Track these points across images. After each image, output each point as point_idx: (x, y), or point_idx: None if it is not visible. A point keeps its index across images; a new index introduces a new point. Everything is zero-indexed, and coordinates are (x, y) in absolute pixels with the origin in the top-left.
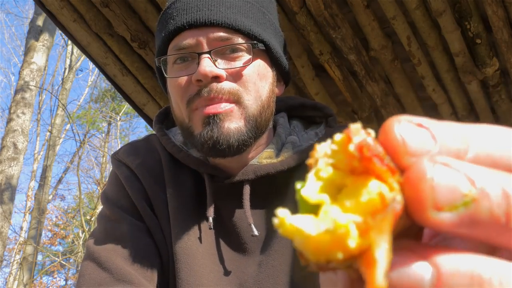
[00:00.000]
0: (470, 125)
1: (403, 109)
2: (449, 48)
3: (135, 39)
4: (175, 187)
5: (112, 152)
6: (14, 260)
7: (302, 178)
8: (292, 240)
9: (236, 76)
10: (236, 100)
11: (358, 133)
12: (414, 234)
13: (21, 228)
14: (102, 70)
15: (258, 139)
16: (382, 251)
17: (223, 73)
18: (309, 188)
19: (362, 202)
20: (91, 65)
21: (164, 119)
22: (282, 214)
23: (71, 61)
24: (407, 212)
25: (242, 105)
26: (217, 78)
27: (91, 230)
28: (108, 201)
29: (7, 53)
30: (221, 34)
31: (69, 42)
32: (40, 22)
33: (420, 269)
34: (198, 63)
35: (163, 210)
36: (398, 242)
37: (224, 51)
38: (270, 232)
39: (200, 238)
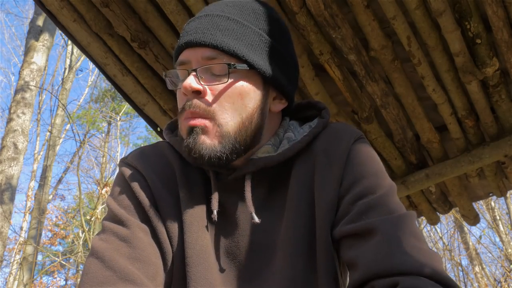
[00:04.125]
0: None
1: (403, 109)
2: (449, 48)
3: (135, 39)
4: (187, 189)
5: (113, 154)
6: (14, 260)
7: (300, 167)
8: None
9: (215, 93)
10: (211, 117)
11: None
12: None
13: (21, 228)
14: (102, 70)
15: (257, 142)
16: None
17: (201, 88)
18: None
19: None
20: (91, 65)
21: (175, 129)
22: None
23: (71, 61)
24: None
25: (217, 123)
26: (198, 94)
27: (91, 230)
28: (113, 203)
29: (7, 53)
30: (208, 54)
31: (69, 42)
32: (40, 22)
33: None
34: None
35: (170, 213)
36: None
37: (212, 71)
38: (271, 222)
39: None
